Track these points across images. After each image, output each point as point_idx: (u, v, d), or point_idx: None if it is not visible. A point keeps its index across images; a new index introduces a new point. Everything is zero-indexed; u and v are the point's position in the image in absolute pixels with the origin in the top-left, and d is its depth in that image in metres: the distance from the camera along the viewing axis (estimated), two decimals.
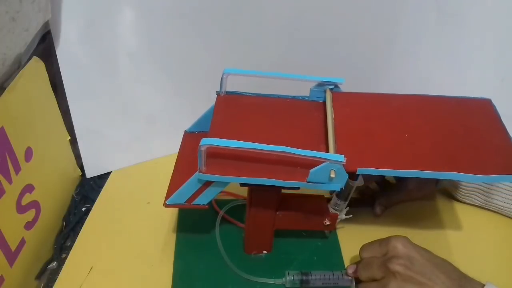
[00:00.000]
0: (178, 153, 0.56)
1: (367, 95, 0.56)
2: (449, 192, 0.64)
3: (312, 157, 0.43)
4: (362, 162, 0.45)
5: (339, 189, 0.46)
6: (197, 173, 0.45)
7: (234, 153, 0.44)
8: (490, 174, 0.44)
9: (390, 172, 0.45)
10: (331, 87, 0.55)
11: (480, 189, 0.61)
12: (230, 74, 0.54)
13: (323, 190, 0.46)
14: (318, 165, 0.43)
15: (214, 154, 0.44)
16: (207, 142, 0.43)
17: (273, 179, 0.44)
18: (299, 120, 0.53)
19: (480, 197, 0.61)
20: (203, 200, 0.48)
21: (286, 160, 0.44)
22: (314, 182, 0.44)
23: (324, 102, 0.54)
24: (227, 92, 0.56)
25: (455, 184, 0.62)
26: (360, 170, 0.45)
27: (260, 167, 0.45)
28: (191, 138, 0.58)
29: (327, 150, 0.47)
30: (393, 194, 0.62)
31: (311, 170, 0.44)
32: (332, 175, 0.43)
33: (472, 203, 0.63)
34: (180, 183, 0.47)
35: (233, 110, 0.54)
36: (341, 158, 0.43)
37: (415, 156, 0.46)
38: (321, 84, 0.55)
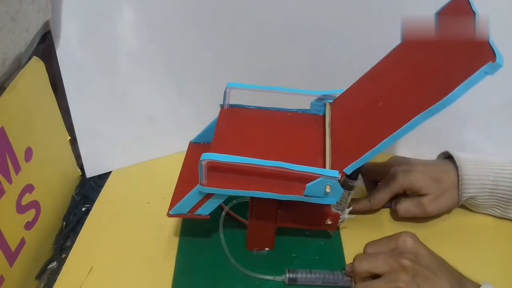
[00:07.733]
0: (183, 163, 0.58)
1: (360, 86, 0.54)
2: (466, 206, 0.63)
3: (308, 172, 0.45)
4: (345, 162, 0.46)
5: (335, 203, 0.47)
6: (198, 185, 0.47)
7: (234, 167, 0.46)
8: (453, 89, 0.40)
9: (368, 156, 0.44)
10: (330, 101, 0.56)
11: (497, 205, 0.60)
12: (233, 88, 0.56)
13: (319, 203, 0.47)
14: (314, 180, 0.45)
15: (215, 168, 0.46)
16: (207, 157, 0.45)
17: (271, 193, 0.46)
18: (299, 133, 0.54)
19: (497, 210, 0.61)
20: (204, 210, 0.50)
21: (284, 174, 0.46)
22: (311, 196, 0.46)
23: (324, 115, 0.56)
24: (230, 105, 0.58)
25: (471, 202, 0.61)
26: (346, 170, 0.45)
27: (259, 181, 0.47)
28: (195, 149, 0.60)
29: (324, 163, 0.48)
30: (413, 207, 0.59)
31: (307, 185, 0.45)
32: (328, 190, 0.45)
33: (489, 214, 0.62)
34: (183, 194, 0.49)
35: (235, 123, 0.56)
36: (336, 173, 0.44)
37: (387, 123, 0.45)
38: (322, 98, 0.57)
